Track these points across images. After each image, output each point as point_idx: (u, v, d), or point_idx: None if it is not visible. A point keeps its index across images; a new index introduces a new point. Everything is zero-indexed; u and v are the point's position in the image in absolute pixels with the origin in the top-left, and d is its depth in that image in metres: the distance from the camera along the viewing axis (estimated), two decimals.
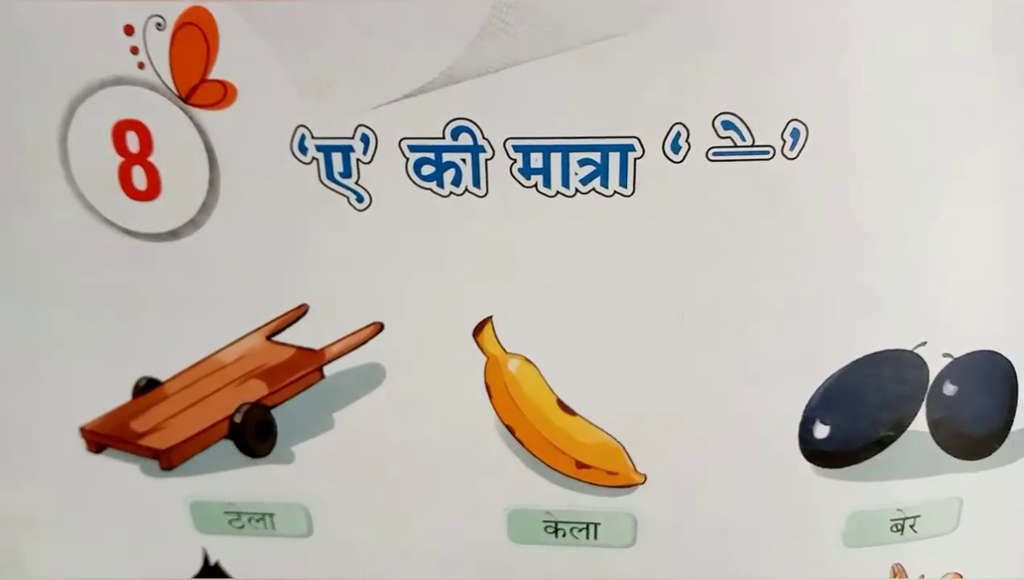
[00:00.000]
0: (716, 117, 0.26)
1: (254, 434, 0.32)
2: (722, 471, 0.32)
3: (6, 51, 0.27)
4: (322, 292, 0.30)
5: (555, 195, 0.28)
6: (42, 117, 0.28)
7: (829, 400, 0.31)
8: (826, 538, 0.33)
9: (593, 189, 0.28)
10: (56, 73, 0.27)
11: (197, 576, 0.35)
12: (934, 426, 0.31)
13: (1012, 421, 0.32)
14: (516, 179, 0.27)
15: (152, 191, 0.28)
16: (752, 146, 0.27)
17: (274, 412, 0.32)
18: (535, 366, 0.30)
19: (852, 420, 0.31)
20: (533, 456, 0.32)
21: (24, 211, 0.29)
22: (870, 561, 0.34)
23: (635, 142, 0.27)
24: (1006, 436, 0.32)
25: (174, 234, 0.29)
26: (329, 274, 0.29)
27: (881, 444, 0.31)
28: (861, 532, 0.33)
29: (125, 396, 0.32)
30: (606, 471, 0.32)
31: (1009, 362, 0.31)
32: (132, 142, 0.28)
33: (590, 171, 0.27)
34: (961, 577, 0.34)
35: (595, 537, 0.33)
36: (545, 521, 0.33)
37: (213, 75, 0.27)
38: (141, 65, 0.27)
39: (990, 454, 0.32)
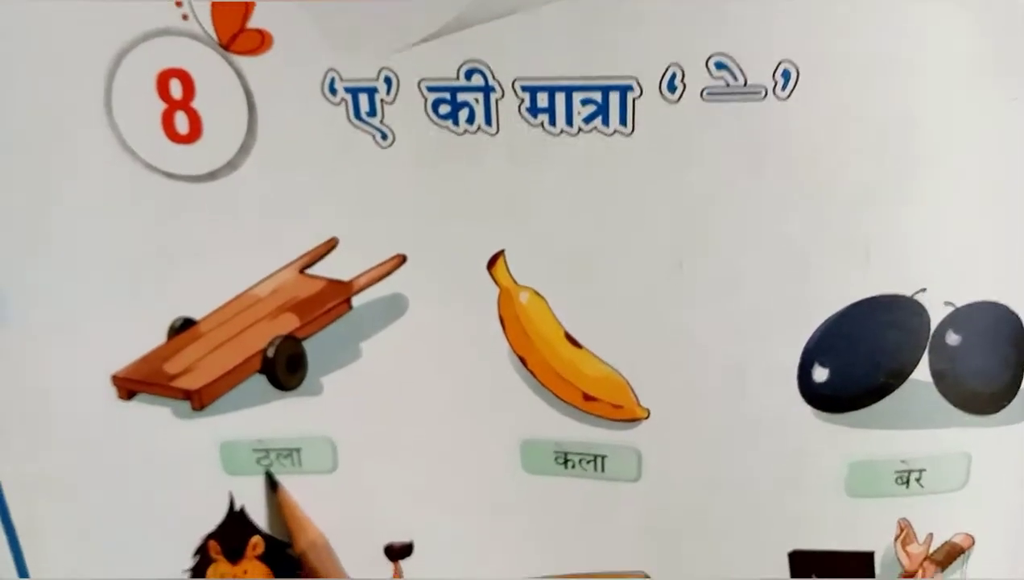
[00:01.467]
0: (709, 58, 0.29)
1: (285, 366, 0.34)
2: (722, 414, 0.33)
3: (56, 5, 0.30)
4: (350, 227, 0.32)
5: (559, 133, 0.30)
6: (89, 67, 0.30)
7: (827, 342, 0.32)
8: (828, 485, 0.34)
9: (595, 128, 0.30)
10: (104, 25, 0.30)
11: (221, 524, 0.37)
12: (938, 377, 0.32)
13: (1021, 379, 0.32)
14: (524, 118, 0.30)
15: (193, 135, 0.31)
16: (744, 87, 0.29)
17: (305, 344, 0.34)
18: (544, 299, 0.32)
19: (850, 364, 0.32)
20: (544, 387, 0.34)
21: (66, 159, 0.32)
22: (875, 513, 0.34)
23: (633, 83, 0.29)
24: (1015, 394, 0.32)
25: (212, 176, 0.32)
26: (356, 209, 0.32)
27: (882, 391, 0.32)
28: (865, 482, 0.34)
29: (159, 341, 0.34)
30: (611, 404, 0.33)
31: (1017, 317, 0.31)
32: (175, 89, 0.31)
33: (592, 110, 0.30)
34: (972, 539, 0.34)
35: (602, 470, 0.35)
36: (556, 452, 0.35)
37: (251, 24, 0.30)
38: (185, 17, 0.30)
39: (999, 410, 0.32)
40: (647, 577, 0.36)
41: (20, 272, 0.33)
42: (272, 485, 0.36)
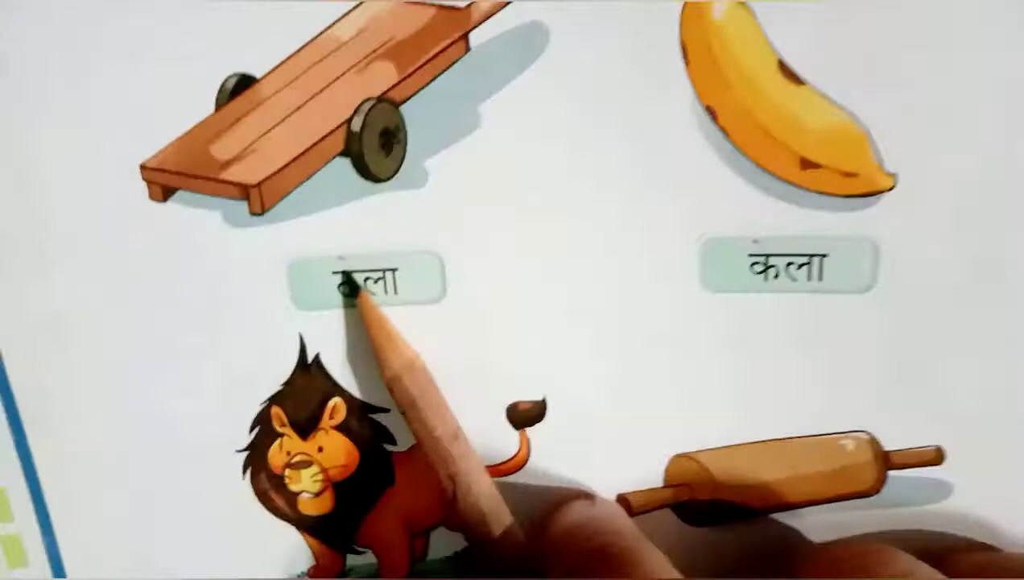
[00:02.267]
0: None
1: (378, 144, 0.25)
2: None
3: None
4: None
5: None
6: None
7: None
8: None
9: None
10: None
11: (288, 381, 0.28)
12: None
13: None
14: None
15: None
16: None
17: (404, 110, 0.25)
18: (750, 10, 0.23)
19: None
20: (739, 152, 0.24)
21: None
22: None
23: None
24: None
25: None
26: None
27: None
28: None
29: (204, 112, 0.25)
30: (841, 172, 0.24)
31: None
32: None
33: None
34: None
35: (819, 277, 0.25)
36: (752, 255, 0.25)
37: None
38: None
39: None
40: (872, 438, 0.26)
41: None
42: (351, 290, 0.27)
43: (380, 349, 0.26)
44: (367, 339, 0.26)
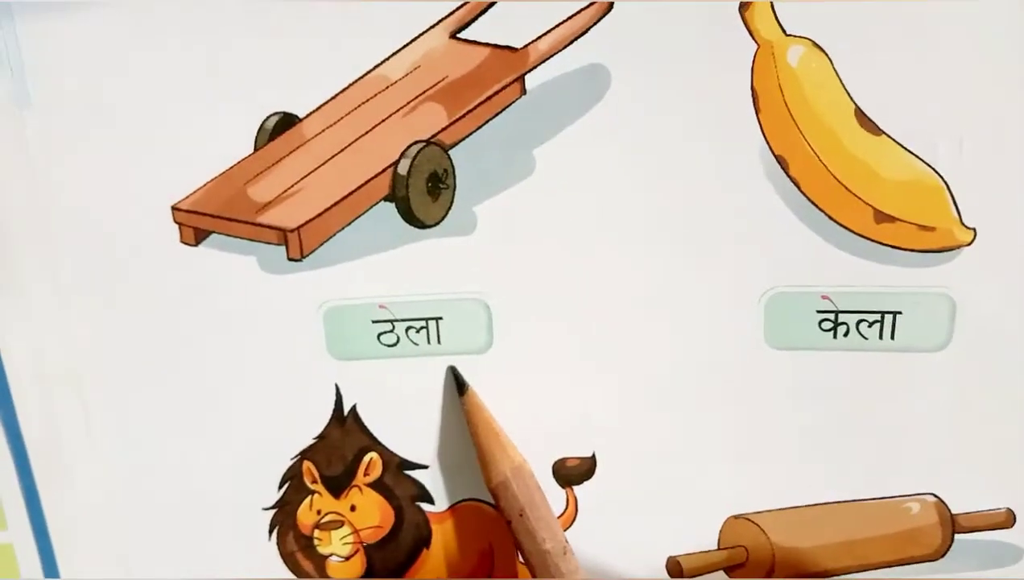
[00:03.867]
0: None
1: (425, 189, 0.23)
2: None
3: None
4: None
5: None
6: None
7: None
8: None
9: None
10: None
11: (322, 434, 0.26)
12: None
13: None
14: None
15: None
16: None
17: (453, 155, 0.23)
18: (827, 56, 0.22)
19: None
20: (812, 203, 0.23)
21: None
22: None
23: None
24: None
25: None
26: None
27: None
28: None
29: (242, 152, 0.24)
30: (918, 225, 0.22)
31: None
32: None
33: None
34: None
35: (892, 336, 0.24)
36: (821, 311, 0.24)
37: None
38: None
39: None
40: (939, 500, 0.25)
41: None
42: (458, 384, 0.25)
43: (487, 453, 0.24)
44: (472, 431, 0.25)
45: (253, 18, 0.22)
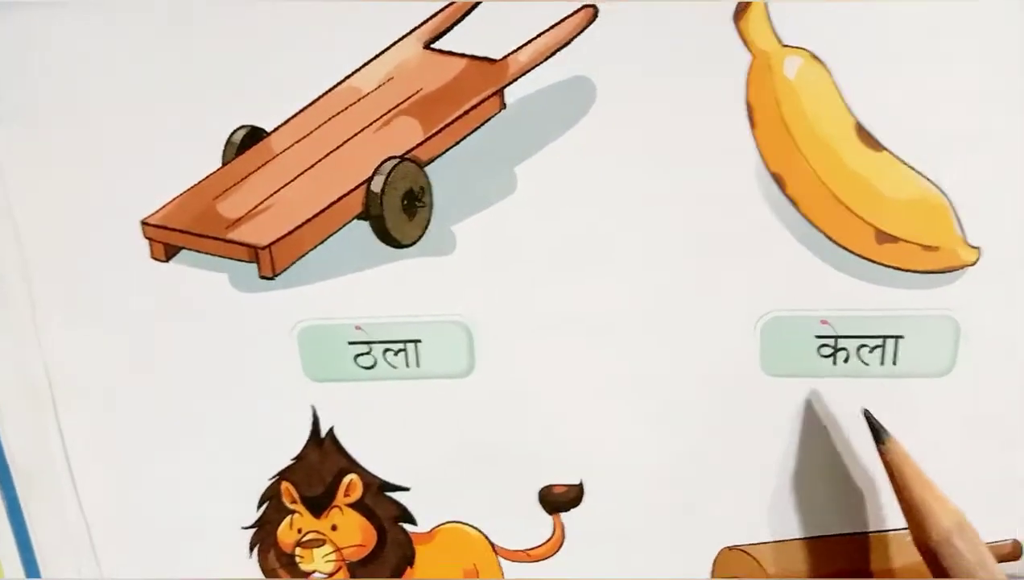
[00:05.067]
0: None
1: (401, 207, 0.22)
2: None
3: None
4: None
5: None
6: None
7: None
8: None
9: None
10: None
11: (299, 455, 0.25)
12: None
13: None
14: None
15: None
16: None
17: (429, 171, 0.22)
18: (826, 68, 0.20)
19: None
20: (810, 224, 0.21)
21: None
22: None
23: None
24: None
25: None
26: None
27: None
28: None
29: (210, 166, 0.23)
30: (921, 246, 0.21)
31: None
32: None
33: None
34: None
35: (894, 361, 0.22)
36: (820, 337, 0.22)
37: None
38: None
39: None
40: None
41: None
42: (874, 432, 0.22)
43: (923, 507, 0.22)
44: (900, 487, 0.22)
45: (220, 27, 0.21)
